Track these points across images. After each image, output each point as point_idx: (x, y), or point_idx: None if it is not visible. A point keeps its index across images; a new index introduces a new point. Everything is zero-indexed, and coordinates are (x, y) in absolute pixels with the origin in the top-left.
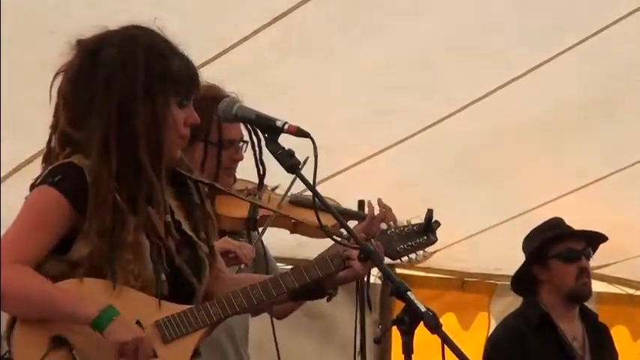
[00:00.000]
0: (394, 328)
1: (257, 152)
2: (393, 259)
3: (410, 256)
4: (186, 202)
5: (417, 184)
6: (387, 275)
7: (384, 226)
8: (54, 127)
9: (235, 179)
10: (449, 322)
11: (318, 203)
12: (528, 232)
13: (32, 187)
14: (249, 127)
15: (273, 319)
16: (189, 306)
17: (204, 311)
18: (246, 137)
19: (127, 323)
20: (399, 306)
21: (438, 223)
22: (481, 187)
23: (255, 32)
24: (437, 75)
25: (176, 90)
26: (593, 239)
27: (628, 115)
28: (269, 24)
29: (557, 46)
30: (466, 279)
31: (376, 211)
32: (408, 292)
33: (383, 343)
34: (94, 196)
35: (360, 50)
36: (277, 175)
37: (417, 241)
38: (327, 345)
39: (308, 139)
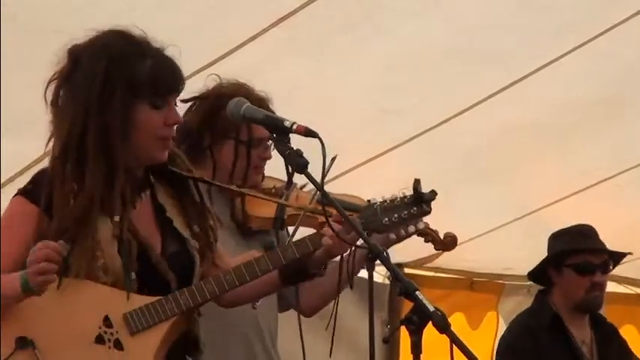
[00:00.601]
0: (403, 328)
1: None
2: (381, 233)
3: (401, 230)
4: (183, 200)
5: (425, 184)
6: (395, 275)
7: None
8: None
9: (264, 177)
10: (457, 321)
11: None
12: (537, 231)
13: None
14: None
15: (301, 316)
16: (156, 298)
17: (173, 301)
18: None
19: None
20: (407, 306)
21: (433, 193)
22: (489, 186)
23: (262, 32)
24: (443, 75)
25: (144, 93)
26: (616, 254)
27: (635, 115)
28: (275, 24)
29: (562, 46)
30: (475, 279)
31: None
32: (417, 292)
33: (391, 342)
34: (54, 200)
35: (366, 50)
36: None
37: (406, 212)
38: (335, 345)
39: (314, 139)
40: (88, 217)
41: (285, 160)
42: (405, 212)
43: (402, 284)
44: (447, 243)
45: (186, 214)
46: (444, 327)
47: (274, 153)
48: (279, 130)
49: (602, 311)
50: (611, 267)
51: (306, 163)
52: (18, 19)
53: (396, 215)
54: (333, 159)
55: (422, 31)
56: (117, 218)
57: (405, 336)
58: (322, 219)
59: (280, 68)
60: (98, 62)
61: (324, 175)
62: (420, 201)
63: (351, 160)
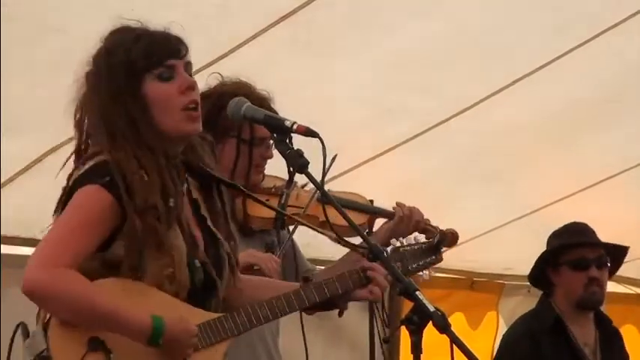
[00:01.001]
0: (403, 328)
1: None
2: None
3: (418, 274)
4: (209, 197)
5: (426, 183)
6: (395, 275)
7: (395, 242)
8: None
9: (264, 176)
10: (457, 321)
11: (348, 206)
12: (537, 231)
13: (75, 180)
14: None
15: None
16: (216, 314)
17: (232, 321)
18: None
19: (176, 335)
20: (407, 305)
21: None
22: (490, 186)
23: (263, 31)
24: (446, 73)
25: (145, 69)
26: (612, 249)
27: (636, 114)
28: (275, 23)
29: (567, 44)
30: (475, 279)
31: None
32: (417, 292)
33: (391, 342)
34: (129, 185)
35: (366, 50)
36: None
37: (426, 260)
38: (335, 345)
39: (315, 139)
40: (162, 214)
41: (285, 160)
42: (426, 260)
43: (403, 284)
44: (450, 240)
45: (213, 212)
46: (444, 327)
47: (275, 152)
48: (280, 130)
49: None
50: (608, 262)
51: (307, 162)
52: (18, 19)
53: (419, 263)
54: (334, 158)
55: (424, 31)
56: (172, 202)
57: (405, 336)
58: (322, 219)
59: (281, 67)
60: (100, 61)
61: (324, 175)
62: (437, 250)
63: (352, 160)
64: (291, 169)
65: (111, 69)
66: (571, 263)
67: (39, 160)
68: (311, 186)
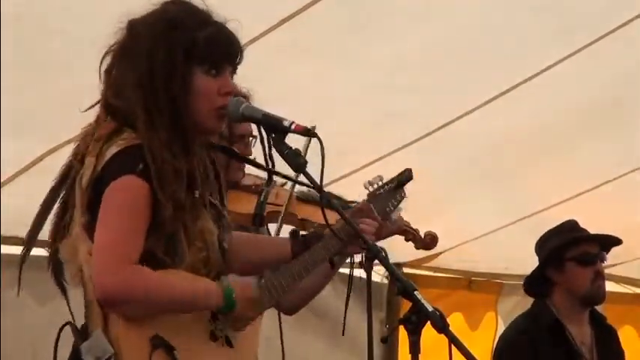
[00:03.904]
0: (401, 328)
1: (266, 147)
2: (385, 220)
3: (393, 214)
4: (202, 169)
5: (426, 186)
6: (394, 274)
7: (368, 187)
8: (101, 102)
9: (244, 174)
10: (456, 321)
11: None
12: (536, 232)
13: (107, 168)
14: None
15: (281, 315)
16: None
17: (267, 292)
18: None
19: (245, 297)
20: (406, 305)
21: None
22: (489, 188)
23: (264, 34)
24: (446, 77)
25: (200, 59)
26: (607, 242)
27: (635, 118)
28: (277, 25)
29: (567, 48)
30: (473, 278)
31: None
32: (415, 292)
33: (390, 342)
34: (163, 177)
35: (369, 52)
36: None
37: (396, 199)
38: (334, 344)
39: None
40: (190, 198)
41: (284, 160)
42: (397, 198)
43: (401, 284)
44: (428, 242)
45: (205, 184)
46: (442, 327)
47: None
48: (278, 130)
49: (602, 311)
50: (605, 257)
51: (305, 162)
52: (19, 19)
53: (393, 202)
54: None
55: (424, 35)
56: (197, 194)
57: (403, 336)
58: (302, 216)
59: (283, 71)
60: (159, 30)
61: (322, 175)
62: (402, 185)
63: (355, 162)
64: (271, 167)
65: (171, 42)
66: (577, 258)
67: (39, 160)
68: (289, 184)
